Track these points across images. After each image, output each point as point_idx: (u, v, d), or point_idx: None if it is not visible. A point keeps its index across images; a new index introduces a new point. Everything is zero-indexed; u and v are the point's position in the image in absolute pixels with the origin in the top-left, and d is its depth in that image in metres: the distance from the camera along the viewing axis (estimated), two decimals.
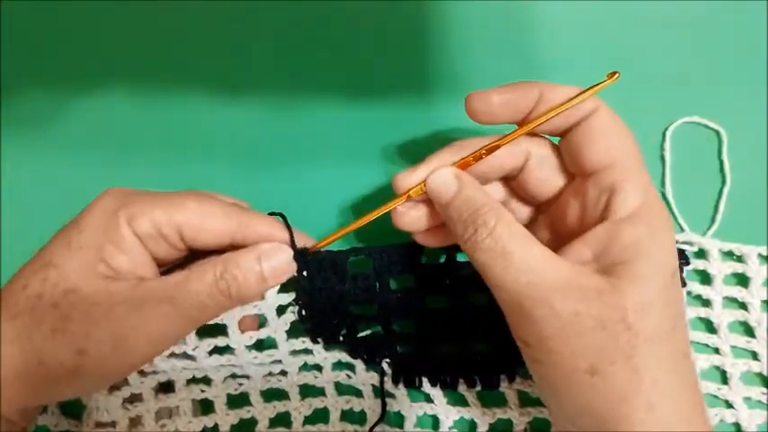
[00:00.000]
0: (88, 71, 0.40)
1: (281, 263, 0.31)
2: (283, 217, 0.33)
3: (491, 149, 0.30)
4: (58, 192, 0.39)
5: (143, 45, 0.40)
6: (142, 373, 0.33)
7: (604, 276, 0.27)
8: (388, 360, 0.34)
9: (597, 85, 0.28)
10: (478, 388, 0.34)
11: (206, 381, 0.34)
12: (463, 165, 0.30)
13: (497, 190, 0.33)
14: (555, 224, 0.31)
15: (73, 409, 0.34)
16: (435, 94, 0.40)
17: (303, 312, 0.33)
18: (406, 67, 0.40)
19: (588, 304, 0.26)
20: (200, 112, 0.40)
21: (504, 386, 0.34)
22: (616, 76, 0.28)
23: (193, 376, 0.33)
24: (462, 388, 0.34)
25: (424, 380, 0.34)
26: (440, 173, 0.30)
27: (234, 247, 0.31)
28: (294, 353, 0.34)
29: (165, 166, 0.39)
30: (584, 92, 0.28)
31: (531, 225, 0.33)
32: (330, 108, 0.40)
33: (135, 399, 0.33)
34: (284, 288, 0.32)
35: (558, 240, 0.30)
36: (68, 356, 0.28)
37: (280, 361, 0.34)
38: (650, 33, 0.41)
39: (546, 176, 0.31)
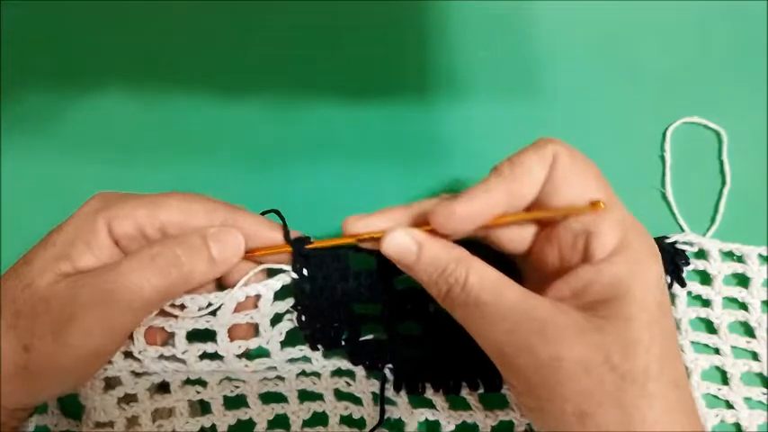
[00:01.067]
0: (88, 71, 0.40)
1: (231, 244, 0.30)
2: (278, 213, 0.32)
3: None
4: (58, 192, 0.39)
5: (143, 45, 0.41)
6: (136, 374, 0.32)
7: (585, 315, 0.26)
8: (390, 366, 0.33)
9: (578, 209, 0.28)
10: (481, 390, 0.33)
11: (201, 383, 0.33)
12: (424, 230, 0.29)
13: None
14: (535, 270, 0.30)
15: (73, 410, 0.34)
16: (435, 94, 0.40)
17: (303, 318, 0.32)
18: (405, 67, 0.40)
19: (569, 347, 0.25)
20: (199, 111, 0.40)
21: (505, 387, 0.33)
22: (601, 207, 0.27)
23: (188, 378, 0.33)
24: (465, 392, 0.33)
25: (427, 385, 0.33)
26: (395, 237, 0.28)
27: None
28: (291, 361, 0.33)
29: (165, 166, 0.39)
30: (565, 212, 0.28)
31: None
32: (330, 108, 0.40)
33: (130, 399, 0.33)
34: (280, 296, 0.31)
35: (541, 285, 0.28)
36: (17, 353, 0.27)
37: (275, 368, 0.33)
38: (650, 33, 0.41)
39: (515, 234, 0.30)
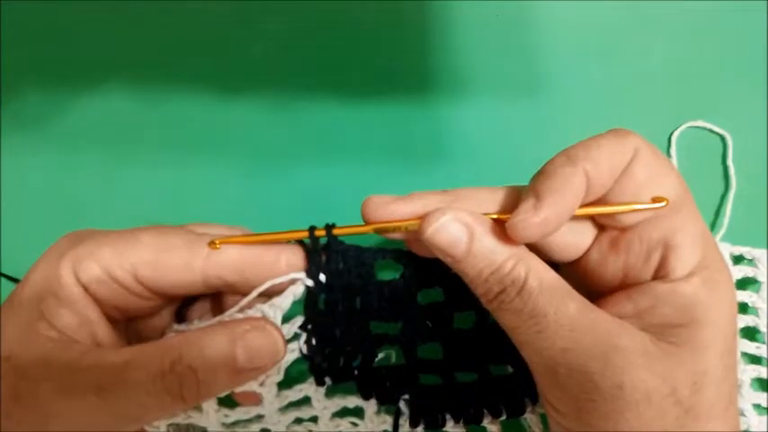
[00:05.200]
0: (88, 70, 0.40)
1: (265, 350, 0.24)
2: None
3: (498, 221, 0.24)
4: (58, 192, 0.38)
5: (143, 45, 0.40)
6: None
7: (651, 337, 0.23)
8: (406, 397, 0.28)
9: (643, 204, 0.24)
10: (503, 417, 0.29)
11: None
12: None
13: None
14: (585, 279, 0.27)
15: None
16: (436, 93, 0.40)
17: (312, 341, 0.27)
18: (406, 66, 0.40)
19: (633, 374, 0.22)
20: (200, 111, 0.40)
21: (528, 411, 0.29)
22: (664, 203, 0.24)
23: None
24: (486, 420, 0.29)
25: (447, 416, 0.29)
26: (443, 222, 0.23)
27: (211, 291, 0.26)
28: (284, 409, 0.28)
29: (165, 166, 0.39)
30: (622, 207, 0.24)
31: None
32: (331, 108, 0.39)
33: None
34: (284, 319, 0.27)
35: (590, 293, 0.25)
36: None
37: (260, 416, 0.28)
38: (655, 36, 0.41)
39: (570, 239, 0.26)
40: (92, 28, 0.40)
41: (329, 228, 0.26)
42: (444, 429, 0.29)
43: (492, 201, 0.26)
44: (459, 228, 0.23)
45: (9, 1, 0.40)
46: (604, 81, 0.40)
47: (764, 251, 0.35)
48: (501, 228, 0.24)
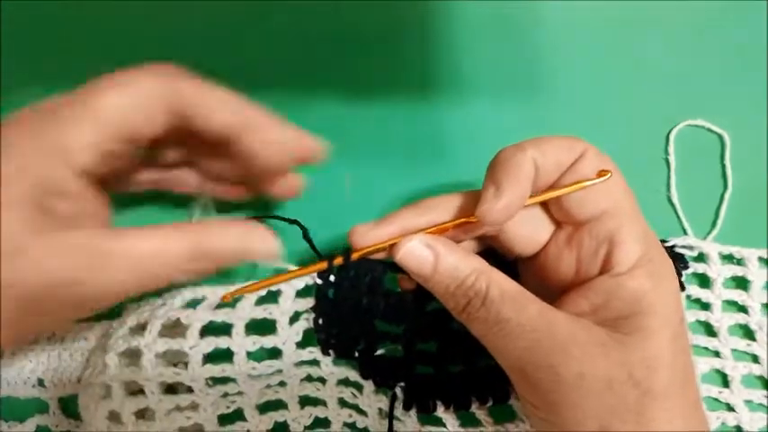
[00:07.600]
0: (88, 71, 0.40)
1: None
2: (299, 224, 0.31)
3: (465, 224, 0.28)
4: None
5: (143, 44, 0.40)
6: (128, 389, 0.30)
7: (607, 330, 0.26)
8: (402, 384, 0.31)
9: (585, 181, 0.27)
10: (490, 403, 0.32)
11: (193, 407, 0.31)
12: (436, 232, 0.28)
13: (469, 245, 0.31)
14: (543, 273, 0.29)
15: (74, 410, 0.34)
16: (438, 93, 0.40)
17: (319, 321, 0.30)
18: (408, 66, 0.40)
19: (592, 364, 0.25)
20: None
21: (513, 398, 0.32)
22: (608, 175, 0.27)
23: (177, 405, 0.30)
24: (474, 406, 0.32)
25: (438, 403, 0.32)
26: (411, 247, 0.27)
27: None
28: (299, 364, 0.32)
29: None
30: (570, 186, 0.27)
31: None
32: (331, 107, 0.39)
33: (116, 418, 0.30)
34: (302, 294, 0.31)
35: (548, 289, 0.28)
36: None
37: (280, 371, 0.32)
38: (654, 35, 0.41)
39: (530, 233, 0.29)
40: (92, 28, 0.40)
41: (330, 258, 0.29)
42: (436, 414, 0.32)
43: (457, 206, 0.29)
44: (425, 250, 0.27)
45: (9, 1, 0.40)
46: (604, 81, 0.40)
47: (753, 251, 0.36)
48: (462, 250, 0.27)
